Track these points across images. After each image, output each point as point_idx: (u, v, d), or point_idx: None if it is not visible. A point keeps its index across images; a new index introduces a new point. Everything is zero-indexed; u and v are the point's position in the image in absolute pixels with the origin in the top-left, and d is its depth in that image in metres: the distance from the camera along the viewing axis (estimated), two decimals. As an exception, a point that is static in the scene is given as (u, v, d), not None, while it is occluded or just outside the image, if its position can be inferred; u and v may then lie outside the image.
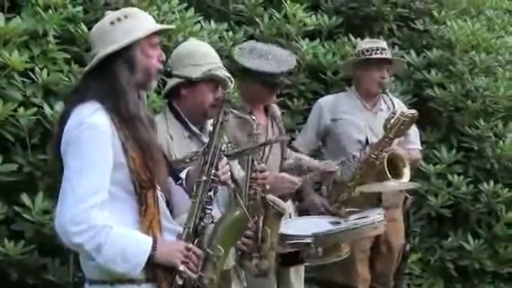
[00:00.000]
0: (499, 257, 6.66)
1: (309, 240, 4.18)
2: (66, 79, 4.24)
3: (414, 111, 5.12)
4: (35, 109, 4.09)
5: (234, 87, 3.68)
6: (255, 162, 3.88)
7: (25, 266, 4.06)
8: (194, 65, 3.83)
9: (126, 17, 3.17)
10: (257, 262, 3.80)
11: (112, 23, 3.16)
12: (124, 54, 3.13)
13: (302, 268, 4.75)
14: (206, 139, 3.80)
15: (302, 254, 4.21)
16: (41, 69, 4.18)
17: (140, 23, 3.17)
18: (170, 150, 3.77)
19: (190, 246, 3.12)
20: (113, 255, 2.96)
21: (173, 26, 3.67)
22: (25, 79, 4.14)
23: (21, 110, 4.03)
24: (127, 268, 3.00)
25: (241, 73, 4.61)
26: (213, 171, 3.25)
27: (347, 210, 4.51)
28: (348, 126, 5.16)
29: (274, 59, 4.56)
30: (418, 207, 6.49)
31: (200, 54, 3.91)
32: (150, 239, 3.04)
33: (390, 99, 5.12)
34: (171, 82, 3.88)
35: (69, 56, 4.35)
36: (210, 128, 3.86)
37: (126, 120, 3.06)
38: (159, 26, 3.26)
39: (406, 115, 4.98)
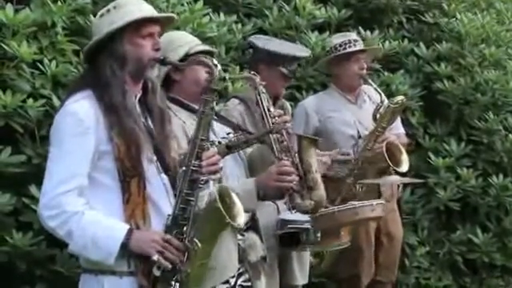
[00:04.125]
0: (508, 250, 6.67)
1: (307, 225, 4.19)
2: (75, 71, 4.24)
3: (402, 97, 5.10)
4: (44, 100, 4.09)
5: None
6: (271, 109, 3.89)
7: (33, 257, 4.06)
8: (174, 49, 3.82)
9: (114, 8, 3.21)
10: (309, 195, 3.80)
11: (101, 15, 3.24)
12: (108, 46, 3.17)
13: (306, 261, 4.75)
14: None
15: (301, 237, 4.22)
16: (49, 60, 4.18)
17: (124, 14, 3.18)
18: (187, 133, 3.77)
19: (168, 237, 3.08)
20: (83, 242, 3.00)
21: (166, 15, 3.62)
22: (33, 70, 4.15)
23: (29, 101, 4.03)
24: (100, 255, 3.02)
25: (256, 60, 4.62)
26: (193, 162, 3.17)
27: (349, 203, 4.50)
28: (338, 123, 5.14)
29: (293, 47, 4.68)
30: (427, 200, 6.48)
31: (176, 38, 3.92)
32: (125, 228, 3.04)
33: (375, 88, 5.10)
34: (160, 75, 3.83)
35: (78, 47, 4.34)
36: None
37: (109, 108, 3.09)
38: (140, 15, 3.21)
39: (395, 102, 4.97)
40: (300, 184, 3.80)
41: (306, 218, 4.23)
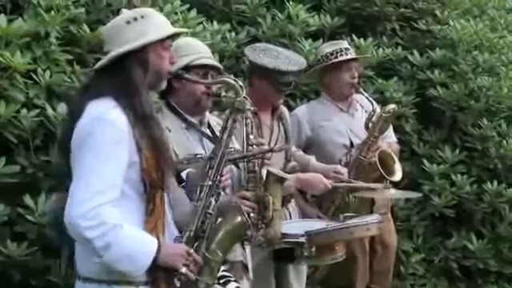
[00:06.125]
0: (503, 257, 6.68)
1: (302, 239, 4.19)
2: (69, 80, 4.23)
3: (393, 106, 5.10)
4: (38, 110, 4.08)
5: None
6: (251, 137, 3.88)
7: (28, 267, 4.05)
8: (179, 57, 3.83)
9: (142, 17, 3.19)
10: (262, 231, 3.79)
11: (128, 22, 3.18)
12: (138, 55, 3.15)
13: (303, 270, 4.75)
14: (205, 130, 3.93)
15: (296, 252, 4.22)
16: (43, 70, 4.18)
17: (155, 25, 3.20)
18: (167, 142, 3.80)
19: (191, 251, 3.15)
20: (119, 255, 2.97)
21: (186, 30, 3.72)
22: (27, 80, 4.14)
23: (23, 111, 4.02)
24: (132, 268, 3.02)
25: (251, 72, 4.63)
26: (218, 177, 3.31)
27: (345, 214, 4.49)
28: (330, 133, 5.10)
29: (286, 59, 4.55)
30: (422, 207, 6.49)
31: (182, 46, 3.92)
32: (155, 242, 3.05)
33: (367, 97, 5.09)
34: None
35: (71, 57, 4.34)
36: (211, 122, 3.93)
37: (140, 118, 3.07)
38: (174, 30, 3.29)
39: (387, 111, 4.96)
40: (257, 218, 3.79)
41: (300, 231, 4.23)
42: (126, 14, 3.24)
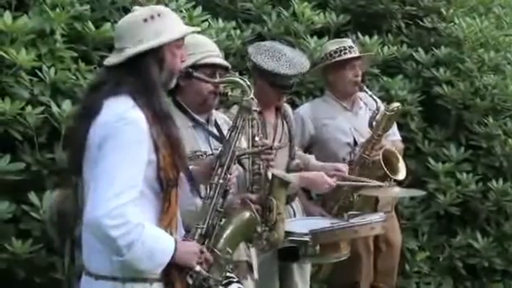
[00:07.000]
0: (508, 255, 6.67)
1: (306, 237, 4.18)
2: (74, 78, 4.24)
3: (397, 104, 5.07)
4: (43, 107, 4.09)
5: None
6: (256, 138, 3.86)
7: (32, 264, 4.06)
8: (187, 55, 3.82)
9: (159, 15, 3.16)
10: (266, 234, 3.78)
11: (145, 20, 3.14)
12: (154, 53, 3.12)
13: (307, 268, 4.74)
14: (211, 128, 3.91)
15: (300, 251, 4.21)
16: (48, 67, 4.18)
17: (172, 24, 3.19)
18: None
19: (204, 249, 3.17)
20: (141, 254, 2.97)
21: (199, 29, 3.73)
22: (32, 77, 4.14)
23: (28, 108, 4.03)
24: (151, 267, 3.02)
25: (253, 71, 4.61)
26: (228, 175, 3.32)
27: (349, 213, 4.47)
28: (333, 131, 5.08)
29: (287, 62, 4.49)
30: (427, 205, 6.48)
31: (191, 44, 3.81)
32: (172, 240, 3.07)
33: (371, 96, 5.06)
34: None
35: (76, 54, 4.35)
36: (218, 120, 3.93)
37: (158, 117, 3.06)
38: (190, 29, 3.31)
39: (391, 109, 4.93)
40: (261, 220, 3.78)
41: (304, 230, 4.23)
42: (141, 11, 3.20)
